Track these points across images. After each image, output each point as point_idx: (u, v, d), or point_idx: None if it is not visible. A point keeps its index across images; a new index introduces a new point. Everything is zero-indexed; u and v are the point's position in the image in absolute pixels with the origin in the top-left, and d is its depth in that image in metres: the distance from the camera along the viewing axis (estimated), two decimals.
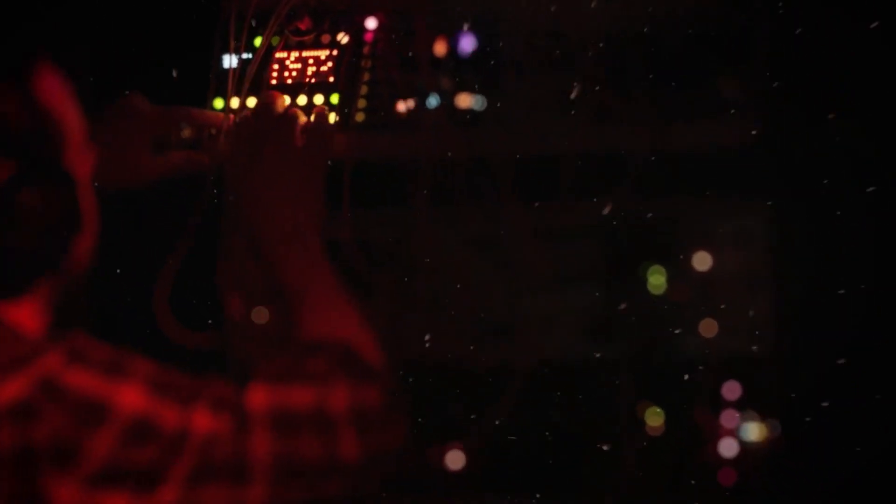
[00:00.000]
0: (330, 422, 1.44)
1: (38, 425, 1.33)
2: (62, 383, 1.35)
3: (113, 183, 1.73)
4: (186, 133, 1.87)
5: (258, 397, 1.43)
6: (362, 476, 1.47)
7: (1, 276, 1.44)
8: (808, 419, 2.06)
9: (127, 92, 1.88)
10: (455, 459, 2.09)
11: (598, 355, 2.17)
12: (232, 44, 1.88)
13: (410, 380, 2.02)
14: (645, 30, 2.06)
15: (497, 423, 2.08)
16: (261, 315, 1.87)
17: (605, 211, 2.12)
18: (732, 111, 2.09)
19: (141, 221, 1.95)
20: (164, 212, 1.92)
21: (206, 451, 1.37)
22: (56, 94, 1.49)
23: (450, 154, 2.03)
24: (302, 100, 1.86)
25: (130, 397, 1.36)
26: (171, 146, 1.88)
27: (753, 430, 2.10)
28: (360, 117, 1.90)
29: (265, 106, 1.78)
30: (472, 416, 2.09)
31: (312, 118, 1.83)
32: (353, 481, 1.46)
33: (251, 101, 1.86)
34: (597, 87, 2.07)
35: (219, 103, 1.89)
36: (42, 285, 1.47)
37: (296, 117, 1.76)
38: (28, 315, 1.47)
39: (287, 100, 1.84)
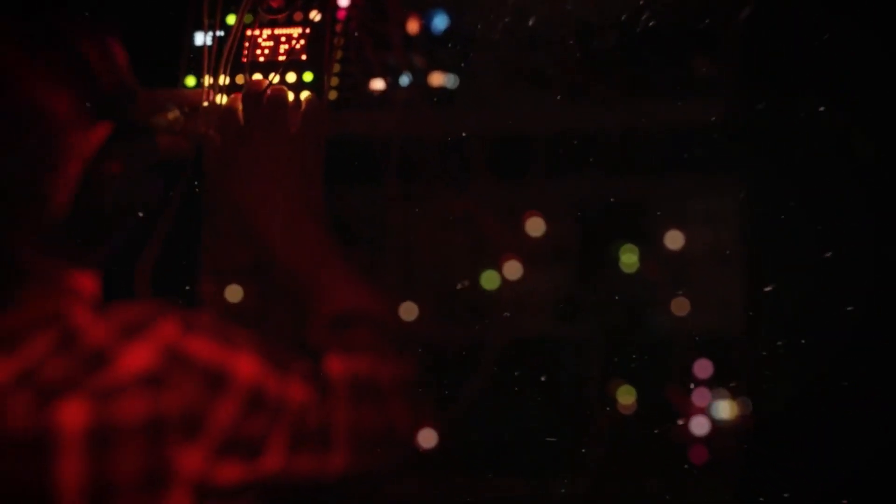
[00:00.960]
0: (384, 392, 1.46)
1: (168, 395, 1.32)
2: (185, 353, 1.34)
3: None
4: (172, 115, 1.85)
5: (335, 368, 1.44)
6: (410, 446, 1.49)
7: (88, 242, 1.43)
8: (779, 397, 2.07)
9: None
10: (427, 438, 2.09)
11: (570, 334, 2.18)
12: (205, 22, 1.86)
13: None
14: (618, 8, 2.06)
15: (469, 401, 2.07)
16: (235, 294, 1.86)
17: (578, 189, 2.12)
18: (705, 90, 2.09)
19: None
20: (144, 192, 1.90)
21: (300, 419, 1.38)
22: (123, 53, 1.49)
23: (422, 132, 2.02)
24: (275, 78, 1.85)
25: (245, 367, 1.37)
26: (157, 130, 1.86)
27: (725, 409, 2.10)
28: (332, 95, 1.89)
29: (253, 90, 1.76)
30: (445, 395, 2.09)
31: (303, 100, 1.81)
32: (405, 451, 1.48)
33: (224, 81, 1.85)
34: (570, 66, 2.07)
35: (191, 81, 1.88)
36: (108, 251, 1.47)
37: (286, 102, 1.74)
38: (90, 283, 1.45)
39: (275, 80, 1.82)
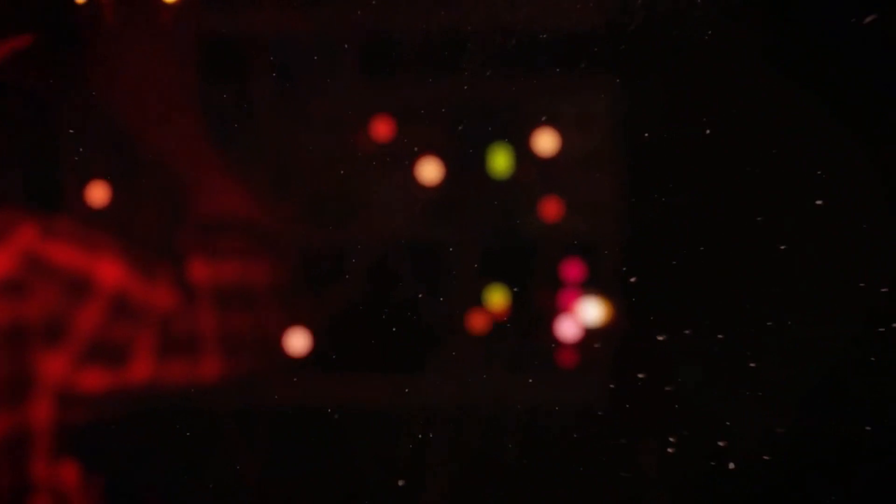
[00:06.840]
0: (255, 296, 1.44)
1: (29, 301, 1.29)
2: (46, 258, 1.30)
3: None
4: None
5: (199, 273, 1.41)
6: (278, 352, 1.48)
7: None
8: (648, 300, 2.09)
9: None
10: (299, 343, 2.07)
11: (441, 236, 2.17)
12: None
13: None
14: None
15: (341, 304, 2.06)
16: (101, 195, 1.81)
17: (451, 90, 2.10)
18: None
19: None
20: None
21: (167, 325, 1.36)
22: None
23: (293, 31, 1.99)
24: None
25: (108, 272, 1.34)
26: None
27: (595, 312, 2.12)
28: None
29: None
30: (316, 298, 2.07)
31: None
32: (274, 357, 1.47)
33: None
34: None
35: None
36: None
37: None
38: None
39: None
